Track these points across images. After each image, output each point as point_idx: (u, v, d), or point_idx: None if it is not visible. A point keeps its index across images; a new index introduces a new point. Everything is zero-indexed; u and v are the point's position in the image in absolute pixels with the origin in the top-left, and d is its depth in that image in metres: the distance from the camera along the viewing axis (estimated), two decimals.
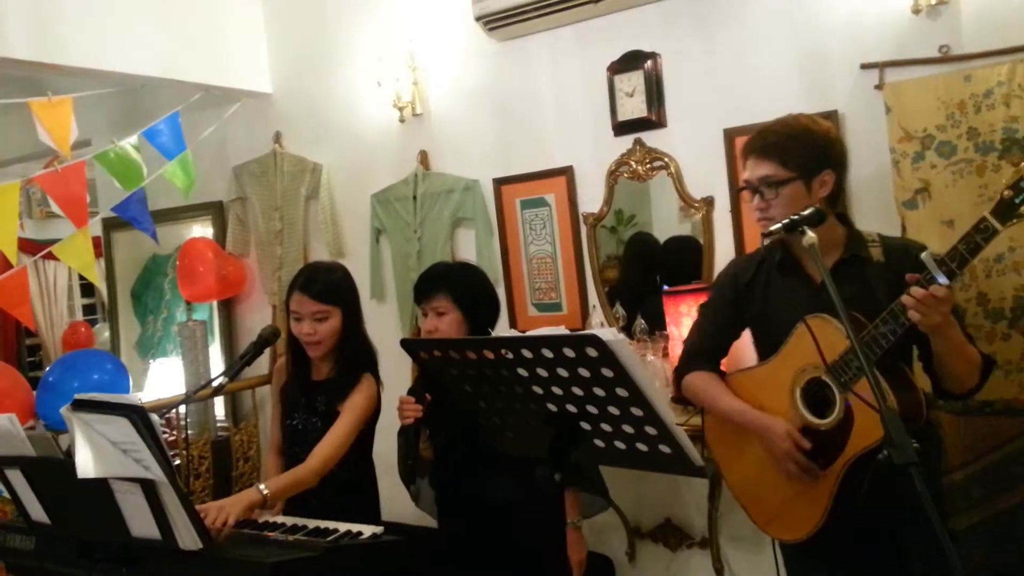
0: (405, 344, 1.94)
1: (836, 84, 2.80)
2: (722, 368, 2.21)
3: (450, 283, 2.35)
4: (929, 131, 2.63)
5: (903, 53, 2.69)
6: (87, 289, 7.25)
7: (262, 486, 2.15)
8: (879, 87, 2.71)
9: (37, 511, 1.97)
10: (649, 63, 3.13)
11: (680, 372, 2.21)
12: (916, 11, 2.62)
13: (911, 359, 1.96)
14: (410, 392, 2.28)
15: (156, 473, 1.69)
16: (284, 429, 2.48)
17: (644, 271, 3.20)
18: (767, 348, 2.05)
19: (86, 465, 1.71)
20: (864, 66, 2.75)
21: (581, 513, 2.32)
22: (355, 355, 2.41)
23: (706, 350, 2.19)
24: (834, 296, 1.61)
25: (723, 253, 3.04)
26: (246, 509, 2.06)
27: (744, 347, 2.20)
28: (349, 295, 2.43)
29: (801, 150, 1.93)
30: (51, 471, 1.88)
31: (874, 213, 2.68)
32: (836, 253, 1.96)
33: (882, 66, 2.72)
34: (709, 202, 3.06)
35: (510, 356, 1.64)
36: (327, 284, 2.38)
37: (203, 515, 1.90)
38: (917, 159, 2.65)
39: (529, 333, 1.61)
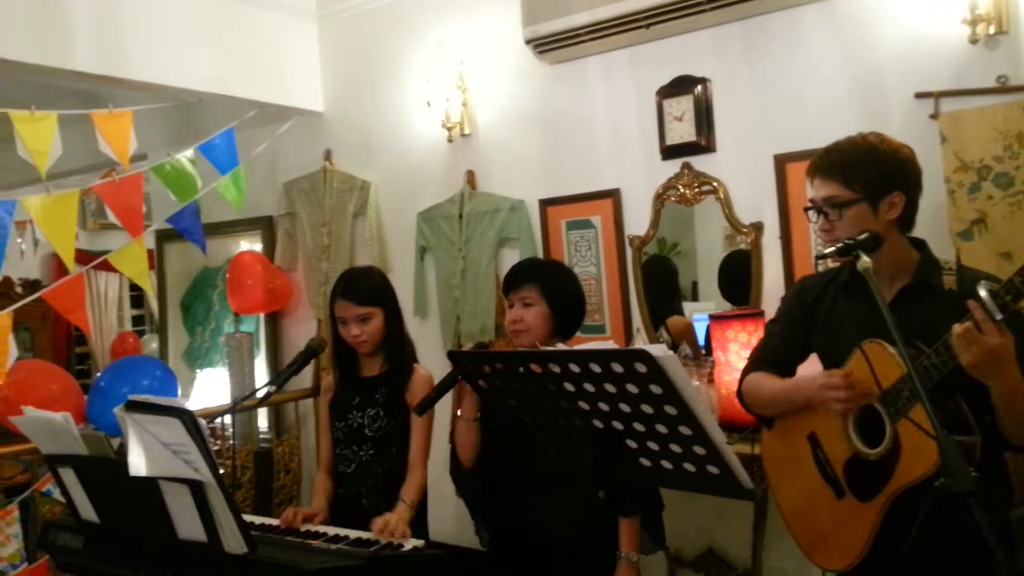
0: (452, 356, 1.95)
1: (890, 113, 2.77)
2: None
3: (540, 275, 2.35)
4: (986, 162, 2.59)
5: (960, 83, 2.66)
6: (137, 300, 7.41)
7: (402, 498, 2.35)
8: (934, 116, 2.68)
9: (87, 510, 2.00)
10: (699, 88, 3.14)
11: (741, 379, 2.18)
12: (974, 41, 2.59)
13: (983, 399, 1.74)
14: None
15: (205, 475, 1.71)
16: (334, 438, 2.52)
17: (663, 293, 3.30)
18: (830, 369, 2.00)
19: (138, 464, 1.74)
20: (919, 95, 2.72)
21: (638, 548, 2.22)
22: (402, 348, 2.55)
23: (767, 361, 2.14)
24: (890, 322, 1.58)
25: (772, 279, 3.01)
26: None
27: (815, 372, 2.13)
28: (388, 295, 2.56)
29: (867, 170, 1.85)
30: (103, 470, 1.92)
31: (928, 243, 2.64)
32: (905, 278, 1.90)
33: (937, 96, 2.69)
34: (758, 227, 3.04)
35: (557, 370, 1.63)
36: (367, 288, 2.52)
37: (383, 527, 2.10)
38: (973, 190, 2.61)
39: (577, 347, 1.60)
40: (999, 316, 1.57)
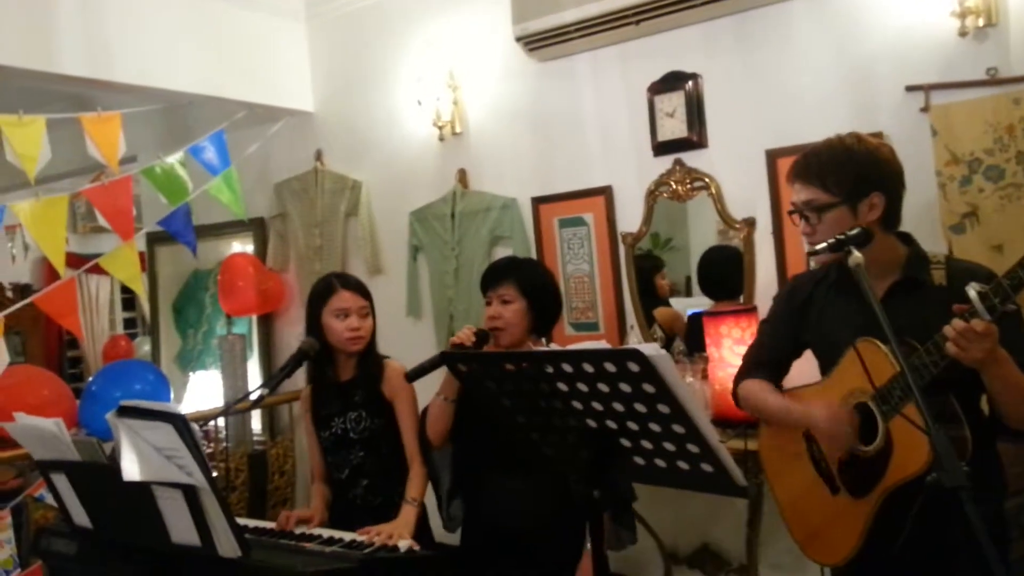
0: (445, 357, 1.94)
1: (881, 106, 2.77)
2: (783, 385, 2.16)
3: (518, 273, 2.40)
4: (977, 155, 2.59)
5: (950, 75, 2.66)
6: (128, 303, 7.36)
7: (408, 499, 2.31)
8: (925, 109, 2.69)
9: (80, 515, 1.99)
10: (690, 84, 3.13)
11: (736, 381, 2.18)
12: (963, 33, 2.60)
13: (971, 392, 1.80)
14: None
15: (198, 479, 1.71)
16: (322, 447, 2.51)
17: (648, 287, 3.38)
18: (825, 368, 2.01)
19: (131, 469, 1.74)
20: (909, 88, 2.72)
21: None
22: (375, 351, 2.53)
23: (763, 362, 2.14)
24: (882, 320, 1.58)
25: (765, 274, 3.01)
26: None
27: (811, 367, 2.14)
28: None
29: (844, 173, 1.85)
30: (96, 476, 1.91)
31: (920, 237, 2.58)
32: (894, 274, 1.89)
33: (928, 88, 2.69)
34: (750, 223, 3.04)
35: (550, 370, 1.63)
36: (363, 285, 2.54)
37: (376, 536, 2.05)
38: (964, 183, 2.61)
39: (570, 347, 1.60)
40: (988, 318, 1.59)
